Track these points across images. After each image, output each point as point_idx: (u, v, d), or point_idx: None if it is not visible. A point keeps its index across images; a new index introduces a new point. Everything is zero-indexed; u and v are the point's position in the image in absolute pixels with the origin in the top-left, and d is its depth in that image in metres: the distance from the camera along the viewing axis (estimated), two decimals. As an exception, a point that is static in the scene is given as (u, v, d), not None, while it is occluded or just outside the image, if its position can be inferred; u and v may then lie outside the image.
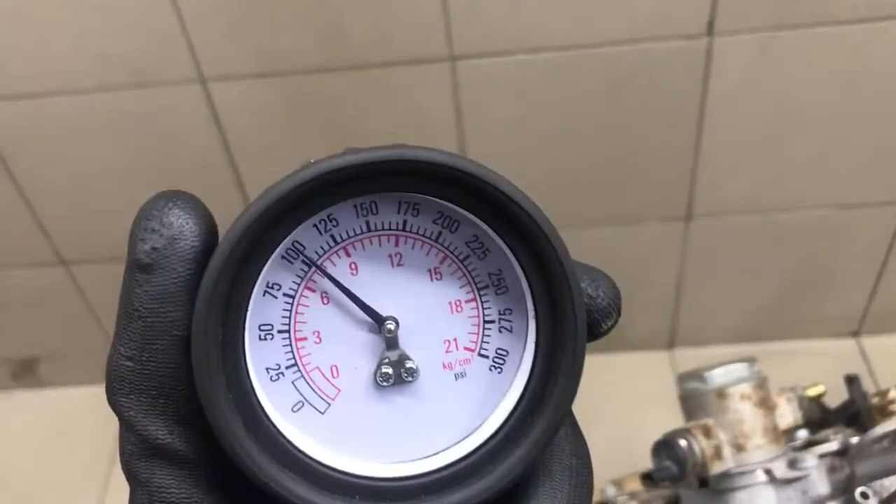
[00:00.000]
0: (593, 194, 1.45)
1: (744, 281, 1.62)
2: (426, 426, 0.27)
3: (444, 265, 0.27)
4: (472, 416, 0.27)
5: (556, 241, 0.25)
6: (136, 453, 0.24)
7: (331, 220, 0.26)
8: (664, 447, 0.65)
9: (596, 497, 0.76)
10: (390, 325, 0.26)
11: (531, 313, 0.27)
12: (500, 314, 0.27)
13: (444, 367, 0.27)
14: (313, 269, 0.26)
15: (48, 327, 1.69)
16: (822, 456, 0.69)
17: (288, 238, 0.25)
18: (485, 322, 0.27)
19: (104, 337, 1.70)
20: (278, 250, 0.25)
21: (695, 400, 0.67)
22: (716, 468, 0.64)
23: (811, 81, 1.32)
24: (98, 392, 1.64)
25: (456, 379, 0.27)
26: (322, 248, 0.26)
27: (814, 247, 1.58)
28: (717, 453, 0.64)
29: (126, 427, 0.25)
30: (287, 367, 0.26)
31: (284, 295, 0.26)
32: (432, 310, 0.27)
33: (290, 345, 0.26)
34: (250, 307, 0.25)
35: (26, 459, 1.70)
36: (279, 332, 0.26)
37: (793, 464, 0.64)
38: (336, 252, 0.26)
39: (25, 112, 1.34)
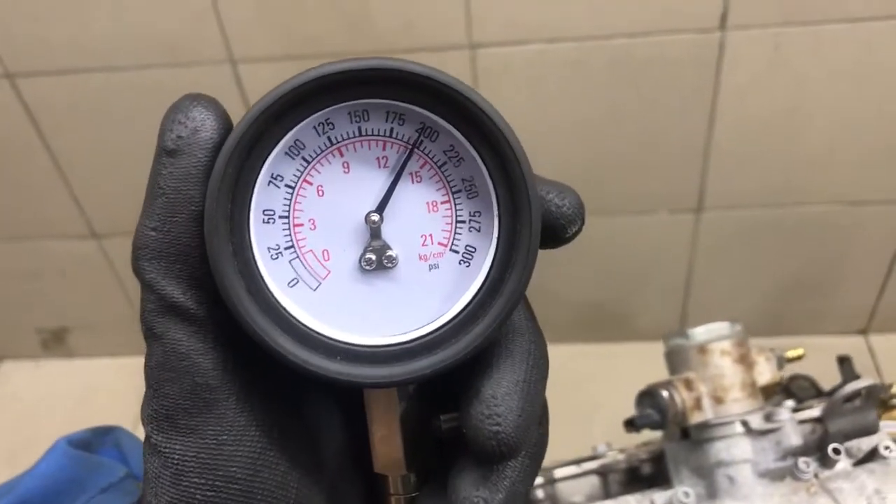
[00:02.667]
0: (606, 183, 1.49)
1: (753, 274, 1.65)
2: (402, 307, 0.31)
3: (424, 170, 0.31)
4: (441, 300, 0.31)
5: (519, 151, 0.30)
6: (154, 311, 0.29)
7: (328, 124, 0.30)
8: (647, 397, 0.69)
9: (588, 452, 0.80)
10: (374, 217, 0.30)
11: (496, 215, 0.31)
12: (470, 216, 0.31)
13: (420, 258, 0.31)
14: (311, 163, 0.30)
15: (78, 299, 1.76)
16: (801, 422, 0.73)
17: (290, 135, 0.29)
18: (457, 222, 0.31)
19: (132, 310, 1.76)
20: (281, 145, 0.29)
21: (678, 355, 0.71)
22: (695, 418, 0.68)
23: (822, 77, 1.35)
24: (125, 363, 1.73)
25: (429, 269, 0.31)
26: (319, 147, 0.30)
27: (823, 243, 1.60)
28: (697, 404, 0.68)
29: (147, 289, 0.29)
30: (285, 248, 0.30)
31: (286, 185, 0.30)
32: (412, 208, 0.31)
33: (289, 229, 0.30)
34: (256, 192, 0.29)
35: (54, 426, 1.77)
36: (280, 217, 0.30)
37: (768, 417, 0.68)
38: (331, 152, 0.30)
39: (65, 88, 1.40)
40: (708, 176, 1.49)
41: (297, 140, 0.30)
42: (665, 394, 0.68)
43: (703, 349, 0.69)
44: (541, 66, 1.34)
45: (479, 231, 0.31)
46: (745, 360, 0.69)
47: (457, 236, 0.31)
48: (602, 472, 0.75)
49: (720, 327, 0.70)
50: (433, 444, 0.33)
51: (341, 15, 1.28)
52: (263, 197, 0.30)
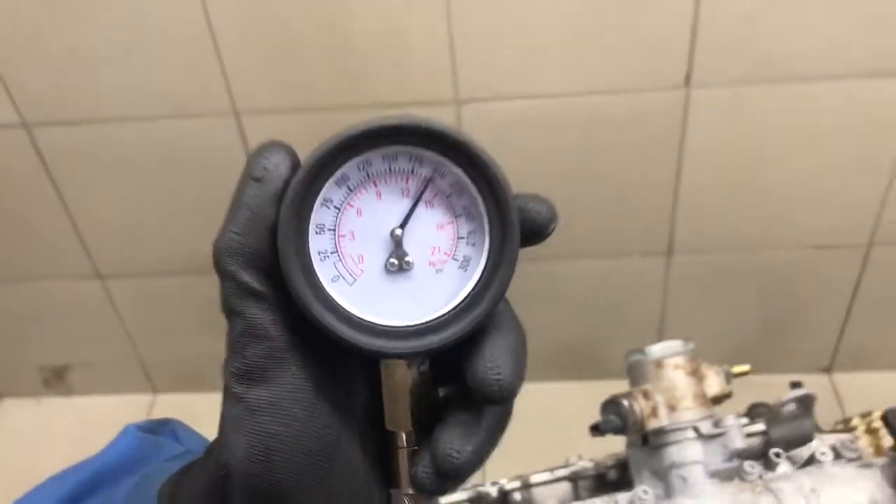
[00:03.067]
0: (583, 228, 1.60)
1: (723, 315, 1.75)
2: (416, 300, 0.41)
3: (436, 199, 0.41)
4: (446, 296, 0.41)
5: (506, 187, 0.40)
6: (234, 295, 0.38)
7: (367, 163, 0.40)
8: (610, 405, 0.78)
9: (560, 462, 0.89)
10: (398, 232, 0.40)
11: (487, 233, 0.40)
12: (468, 233, 0.41)
13: (430, 264, 0.41)
14: (353, 191, 0.40)
15: (80, 337, 1.84)
16: (749, 435, 0.82)
17: (339, 171, 0.39)
18: (458, 238, 0.41)
19: (132, 348, 1.85)
20: (333, 178, 0.39)
21: (637, 370, 0.80)
22: (652, 424, 0.77)
23: (779, 132, 1.47)
24: (124, 399, 1.81)
25: (436, 273, 0.41)
26: (360, 179, 0.40)
27: (787, 286, 1.71)
28: (654, 412, 0.77)
29: (227, 278, 0.38)
30: (331, 253, 0.40)
31: (334, 207, 0.40)
32: (425, 226, 0.40)
33: (335, 239, 0.40)
34: (313, 212, 0.39)
35: (54, 462, 1.83)
36: (328, 230, 0.40)
37: (716, 423, 0.77)
38: (368, 183, 0.40)
39: (77, 137, 1.50)
40: (677, 222, 1.60)
41: (344, 174, 0.39)
42: (626, 402, 0.77)
43: (659, 364, 0.79)
44: (522, 121, 1.45)
45: (474, 245, 0.41)
46: (696, 374, 0.79)
47: (457, 248, 0.41)
48: (573, 479, 0.84)
49: (674, 345, 0.80)
50: (431, 411, 0.42)
51: (340, 72, 1.40)
52: (318, 215, 0.39)
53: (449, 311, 0.40)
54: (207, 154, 1.52)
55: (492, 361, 0.38)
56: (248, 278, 0.38)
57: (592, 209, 1.58)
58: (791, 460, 0.80)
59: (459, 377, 0.39)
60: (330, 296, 0.39)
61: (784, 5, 1.34)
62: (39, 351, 1.87)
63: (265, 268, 0.38)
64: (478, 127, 1.45)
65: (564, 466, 0.85)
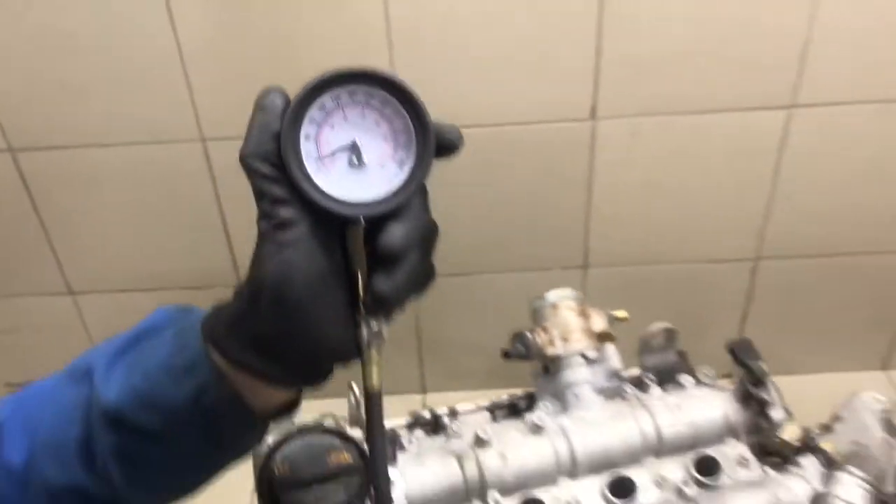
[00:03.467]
0: (510, 244, 1.82)
1: (635, 321, 1.97)
2: (369, 186, 0.60)
3: (383, 120, 0.61)
4: (388, 183, 0.60)
5: (426, 114, 0.61)
6: (258, 181, 0.54)
7: (337, 96, 0.59)
8: (518, 337, 0.98)
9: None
10: (357, 142, 0.60)
11: (415, 144, 0.61)
12: (403, 144, 0.61)
13: (378, 163, 0.61)
14: (328, 113, 0.60)
15: (49, 353, 1.97)
16: (629, 379, 1.04)
17: (318, 100, 0.59)
18: (396, 146, 0.61)
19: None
20: (314, 105, 0.59)
21: (538, 312, 1.01)
22: (550, 352, 0.97)
23: (671, 157, 1.72)
24: None
25: (381, 168, 0.60)
26: (332, 106, 0.60)
27: (688, 296, 1.95)
28: (551, 343, 0.98)
29: (252, 172, 0.55)
30: (314, 153, 0.60)
31: (316, 123, 0.59)
32: (376, 138, 0.61)
33: (316, 144, 0.60)
34: (303, 126, 0.59)
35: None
36: (312, 138, 0.59)
37: (599, 351, 0.98)
38: (338, 109, 0.60)
39: (58, 161, 1.68)
40: (590, 239, 1.83)
41: (322, 102, 0.59)
42: (529, 335, 0.97)
43: (555, 306, 1.00)
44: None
45: (406, 152, 0.61)
46: (584, 314, 1.00)
47: (396, 153, 0.61)
48: (490, 409, 1.03)
49: (567, 292, 1.01)
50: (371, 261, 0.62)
51: (294, 103, 1.61)
52: (305, 128, 0.59)
53: (389, 193, 0.61)
54: (177, 178, 1.71)
55: (397, 227, 0.59)
56: (266, 169, 0.58)
57: (516, 228, 1.80)
58: (661, 384, 1.02)
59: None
60: (313, 180, 0.60)
61: (674, 50, 1.60)
62: (8, 367, 1.99)
63: (274, 163, 0.58)
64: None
65: (484, 400, 1.04)
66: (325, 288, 0.60)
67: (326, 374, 0.64)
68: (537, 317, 1.02)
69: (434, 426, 0.98)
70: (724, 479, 0.93)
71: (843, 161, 1.75)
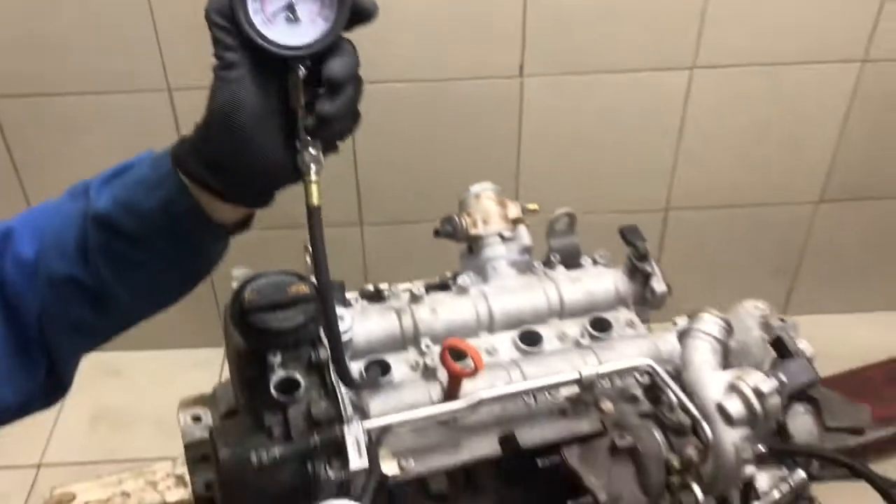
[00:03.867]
0: (445, 192, 2.01)
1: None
2: (303, 34, 0.77)
3: None
4: (318, 32, 0.78)
5: None
6: (215, 30, 0.72)
7: None
8: (446, 220, 1.18)
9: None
10: (293, 2, 0.79)
11: (337, 3, 0.80)
12: (329, 5, 0.77)
13: (310, 20, 0.77)
14: None
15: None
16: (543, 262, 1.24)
17: None
18: (323, 7, 0.79)
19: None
20: None
21: (464, 201, 1.21)
22: (473, 232, 1.17)
23: (591, 114, 1.95)
24: None
25: (312, 23, 0.77)
26: None
27: (606, 244, 2.16)
28: (474, 225, 1.17)
29: (211, 23, 0.72)
30: (260, 12, 0.77)
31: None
32: (309, 1, 0.80)
33: (261, 5, 0.78)
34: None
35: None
36: (259, 0, 0.79)
37: (513, 230, 1.18)
38: None
39: (33, 108, 1.83)
40: (519, 188, 2.04)
41: None
42: (456, 218, 1.18)
43: (477, 196, 1.20)
44: (399, 100, 1.88)
45: (331, 10, 0.79)
46: (502, 204, 1.20)
47: (322, 11, 0.79)
48: (426, 288, 1.23)
49: (487, 185, 1.21)
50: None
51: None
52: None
53: (316, 39, 0.79)
54: (145, 125, 1.87)
55: (337, 61, 0.76)
56: (220, 21, 0.76)
57: (453, 175, 2.00)
58: (564, 264, 1.22)
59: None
60: (259, 29, 0.78)
61: (595, 12, 1.82)
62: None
63: (227, 16, 0.76)
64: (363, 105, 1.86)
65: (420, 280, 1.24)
66: (266, 118, 0.78)
67: (270, 193, 0.84)
68: (463, 205, 1.21)
69: (376, 296, 1.16)
70: (614, 335, 1.14)
71: (740, 119, 1.99)
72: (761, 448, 1.03)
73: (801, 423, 1.38)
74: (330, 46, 0.78)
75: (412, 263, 2.12)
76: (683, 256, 2.20)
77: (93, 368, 2.20)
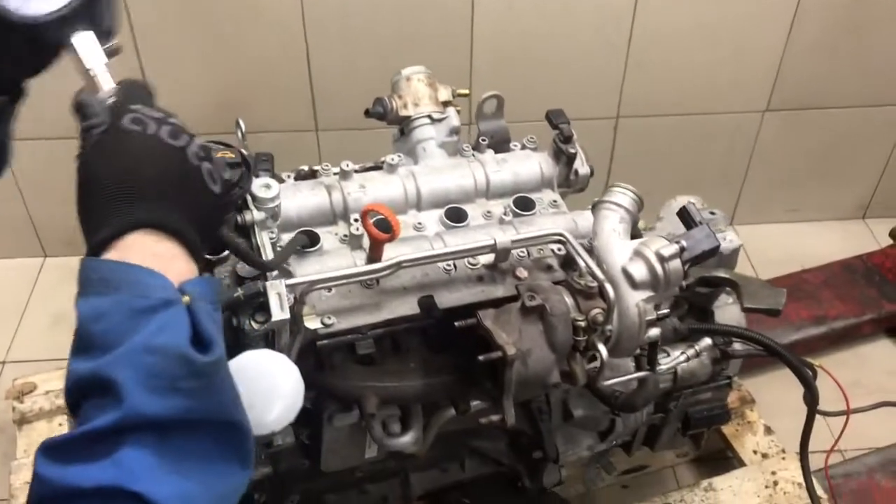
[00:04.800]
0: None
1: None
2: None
3: None
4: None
5: None
6: None
7: None
8: (377, 101, 1.22)
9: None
10: None
11: None
12: None
13: None
14: None
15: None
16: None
17: None
18: None
19: (24, 212, 2.17)
20: None
21: (396, 84, 1.25)
22: (403, 113, 1.22)
23: (541, 20, 1.97)
24: (16, 263, 2.17)
25: None
26: None
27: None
28: (405, 107, 1.22)
29: None
30: None
31: None
32: None
33: None
34: None
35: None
36: None
37: (442, 113, 1.23)
38: None
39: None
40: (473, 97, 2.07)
41: None
42: (387, 99, 1.22)
43: (408, 78, 1.24)
44: (350, 6, 1.90)
45: None
46: (432, 86, 1.24)
47: None
48: (358, 170, 1.28)
49: (419, 68, 1.25)
50: None
51: None
52: None
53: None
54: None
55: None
56: None
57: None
58: (494, 148, 1.28)
59: None
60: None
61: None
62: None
63: None
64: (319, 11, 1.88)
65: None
66: None
67: None
68: (395, 87, 1.26)
69: (310, 175, 1.21)
70: (536, 213, 1.20)
71: (687, 23, 2.02)
72: (665, 311, 1.10)
73: (728, 313, 1.47)
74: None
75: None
76: (634, 165, 2.25)
77: (54, 273, 2.26)
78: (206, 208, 0.72)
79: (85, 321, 0.62)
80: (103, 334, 0.61)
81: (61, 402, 1.65)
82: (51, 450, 0.59)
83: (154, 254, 0.65)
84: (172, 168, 0.69)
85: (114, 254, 0.64)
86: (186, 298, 0.63)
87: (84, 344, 0.62)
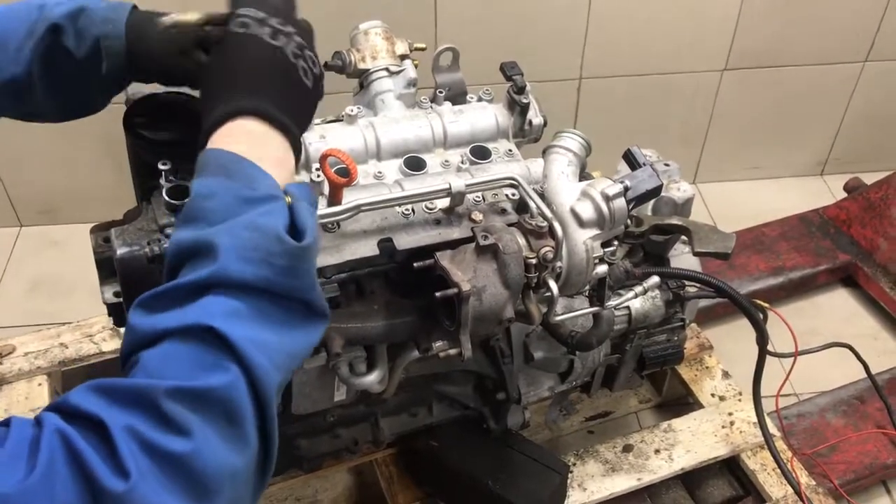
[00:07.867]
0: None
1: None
2: None
3: None
4: None
5: None
6: None
7: None
8: (336, 54, 1.26)
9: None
10: None
11: None
12: None
13: None
14: None
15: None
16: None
17: None
18: None
19: (-2, 178, 2.19)
20: None
21: (354, 38, 1.29)
22: (361, 66, 1.26)
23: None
24: None
25: None
26: None
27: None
28: (363, 60, 1.26)
29: None
30: None
31: None
32: None
33: None
34: None
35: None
36: None
37: (399, 65, 1.27)
38: None
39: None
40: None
41: None
42: (345, 53, 1.26)
43: (366, 32, 1.29)
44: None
45: None
46: (389, 40, 1.28)
47: None
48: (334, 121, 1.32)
49: (376, 22, 1.29)
50: None
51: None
52: None
53: None
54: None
55: None
56: None
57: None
58: (451, 101, 1.32)
59: None
60: None
61: None
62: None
63: None
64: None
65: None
66: None
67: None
68: (353, 41, 1.30)
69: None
70: (493, 161, 1.25)
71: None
72: (613, 249, 1.16)
73: (684, 261, 1.53)
74: None
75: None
76: (597, 126, 2.29)
77: (31, 240, 2.29)
78: (300, 99, 0.83)
79: (198, 196, 0.70)
80: (212, 211, 0.68)
81: (40, 362, 1.69)
82: (144, 302, 0.66)
83: (248, 132, 0.75)
84: (271, 64, 0.80)
85: (218, 136, 0.74)
86: (288, 199, 0.72)
87: (192, 216, 0.69)
